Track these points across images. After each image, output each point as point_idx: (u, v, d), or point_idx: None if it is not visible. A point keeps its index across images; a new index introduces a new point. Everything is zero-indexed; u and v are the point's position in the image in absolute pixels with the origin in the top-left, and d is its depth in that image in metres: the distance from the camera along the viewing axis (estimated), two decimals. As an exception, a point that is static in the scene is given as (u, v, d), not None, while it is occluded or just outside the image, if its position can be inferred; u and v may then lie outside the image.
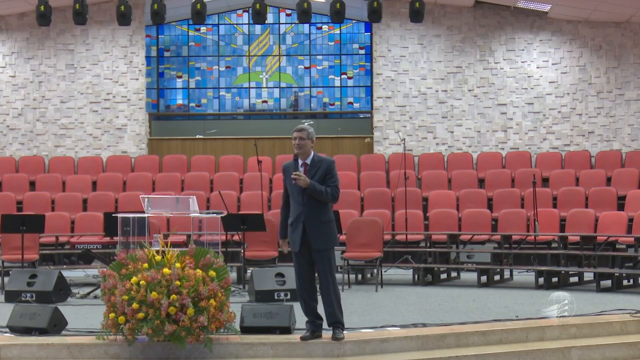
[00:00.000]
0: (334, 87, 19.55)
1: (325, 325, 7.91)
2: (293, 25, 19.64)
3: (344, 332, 7.87)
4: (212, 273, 7.69)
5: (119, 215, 9.93)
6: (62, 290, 10.93)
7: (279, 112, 19.77)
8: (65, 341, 7.84)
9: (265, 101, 19.68)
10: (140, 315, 7.41)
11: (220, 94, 19.66)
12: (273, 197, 16.46)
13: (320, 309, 7.88)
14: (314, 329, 7.82)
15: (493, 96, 18.43)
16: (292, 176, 7.72)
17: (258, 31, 19.77)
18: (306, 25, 19.40)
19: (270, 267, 11.71)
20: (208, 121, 19.93)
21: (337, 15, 16.40)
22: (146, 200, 9.57)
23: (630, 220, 13.94)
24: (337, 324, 7.81)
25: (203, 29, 19.66)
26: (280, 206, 8.07)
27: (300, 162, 7.87)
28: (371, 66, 19.11)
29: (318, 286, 7.90)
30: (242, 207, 16.05)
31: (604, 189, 15.91)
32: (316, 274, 7.94)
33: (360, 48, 19.54)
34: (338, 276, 8.13)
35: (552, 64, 18.40)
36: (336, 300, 7.78)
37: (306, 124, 20.72)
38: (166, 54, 19.72)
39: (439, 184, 17.08)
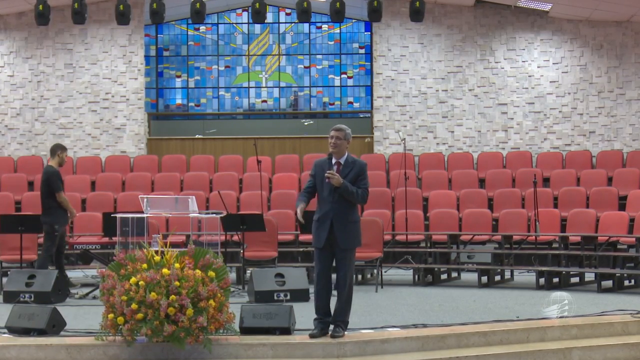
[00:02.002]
0: (334, 86, 19.51)
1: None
2: (293, 24, 19.60)
3: (345, 332, 7.91)
4: (211, 273, 7.67)
5: (118, 215, 9.90)
6: (61, 290, 10.89)
7: (279, 111, 19.73)
8: (64, 342, 7.80)
9: (264, 101, 19.63)
10: (139, 315, 7.37)
11: (220, 93, 19.61)
12: (273, 197, 16.42)
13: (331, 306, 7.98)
14: (323, 327, 7.91)
15: (494, 96, 18.39)
16: (326, 174, 7.85)
17: (257, 30, 19.73)
18: (306, 25, 19.35)
19: (270, 267, 11.67)
20: (207, 121, 19.89)
21: (337, 15, 16.37)
22: (145, 200, 9.53)
23: (632, 220, 13.91)
24: (340, 322, 7.91)
25: (202, 28, 19.61)
26: (302, 191, 8.16)
27: (334, 160, 8.02)
28: (371, 66, 19.06)
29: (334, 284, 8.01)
30: (241, 207, 16.00)
31: (605, 189, 15.87)
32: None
33: (360, 47, 19.50)
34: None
35: (553, 63, 18.37)
36: (348, 300, 7.94)
37: (306, 123, 20.70)
38: (165, 53, 19.67)
39: (440, 184, 17.04)
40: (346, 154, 8.06)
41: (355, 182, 7.95)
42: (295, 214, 8.13)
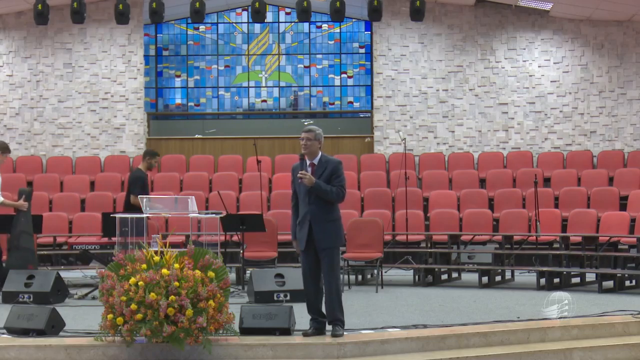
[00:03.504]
0: (334, 86, 19.47)
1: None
2: (293, 24, 19.56)
3: (344, 332, 7.93)
4: (211, 274, 7.63)
5: (117, 215, 9.85)
6: (60, 291, 10.86)
7: (279, 111, 19.68)
8: (63, 342, 7.77)
9: (264, 100, 19.59)
10: (139, 316, 7.35)
11: (219, 93, 19.57)
12: (272, 197, 16.38)
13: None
14: (317, 326, 7.94)
15: (494, 95, 18.36)
16: (298, 175, 7.92)
17: (257, 30, 19.68)
18: (306, 24, 19.30)
19: (270, 267, 11.64)
20: (207, 121, 19.84)
21: (337, 14, 16.33)
22: (145, 200, 9.49)
23: (633, 220, 13.87)
24: (336, 321, 7.93)
25: (202, 27, 19.57)
26: (291, 208, 8.23)
27: (307, 162, 8.05)
28: (371, 65, 19.02)
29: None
30: (241, 208, 15.97)
31: (606, 189, 15.85)
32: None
33: (361, 47, 19.46)
34: (338, 277, 8.16)
35: (554, 63, 18.33)
36: (337, 299, 7.93)
37: (306, 123, 20.74)
38: (165, 53, 19.63)
39: (440, 184, 17.01)
40: (319, 154, 8.09)
41: (329, 180, 7.96)
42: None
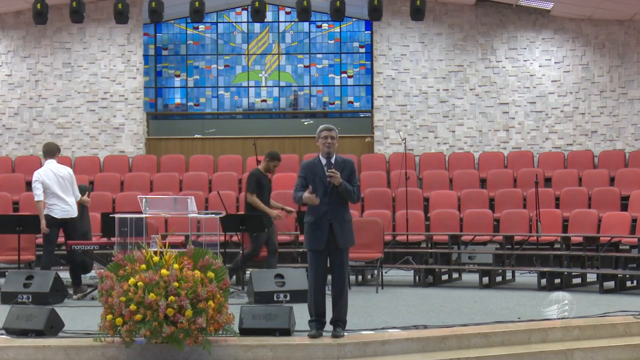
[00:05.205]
0: (334, 86, 19.43)
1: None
2: (292, 23, 19.52)
3: (344, 332, 7.91)
4: (210, 274, 7.60)
5: (117, 215, 9.82)
6: (59, 291, 10.83)
7: (278, 111, 19.65)
8: (62, 343, 7.74)
9: (264, 100, 19.56)
10: (138, 316, 7.31)
11: (219, 93, 19.54)
12: (272, 198, 16.29)
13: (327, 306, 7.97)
14: (320, 327, 7.90)
15: (495, 95, 18.32)
16: (328, 173, 7.81)
17: (257, 29, 19.65)
18: (306, 24, 19.27)
19: (270, 268, 11.59)
20: (206, 120, 19.82)
21: (337, 14, 16.31)
22: (144, 200, 9.46)
23: (634, 220, 13.88)
24: (340, 322, 7.91)
25: (201, 27, 19.53)
26: (295, 191, 8.03)
27: (324, 161, 7.93)
28: (371, 65, 18.99)
29: (330, 285, 8.00)
30: (240, 208, 15.93)
31: (607, 189, 15.83)
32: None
33: (361, 46, 19.42)
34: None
35: (555, 62, 18.30)
36: (346, 299, 7.93)
37: (306, 123, 20.61)
38: (164, 52, 19.59)
39: (440, 184, 16.98)
40: (335, 153, 8.04)
41: (348, 180, 7.91)
42: (301, 201, 7.90)
